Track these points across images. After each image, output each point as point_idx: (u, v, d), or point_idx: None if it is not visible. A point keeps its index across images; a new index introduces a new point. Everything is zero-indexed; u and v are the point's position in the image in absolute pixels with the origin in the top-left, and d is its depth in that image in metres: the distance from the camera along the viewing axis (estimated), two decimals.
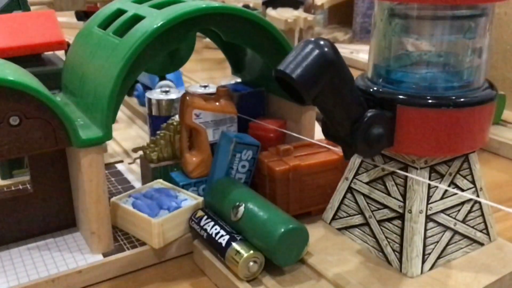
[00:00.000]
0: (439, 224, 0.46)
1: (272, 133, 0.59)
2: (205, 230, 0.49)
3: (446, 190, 0.46)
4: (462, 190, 0.47)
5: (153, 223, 0.48)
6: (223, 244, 0.46)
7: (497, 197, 0.64)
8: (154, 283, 0.48)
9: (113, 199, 0.52)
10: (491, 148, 0.78)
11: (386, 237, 0.47)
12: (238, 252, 0.45)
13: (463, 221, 0.47)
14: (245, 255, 0.44)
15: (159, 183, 0.56)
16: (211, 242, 0.48)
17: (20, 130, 0.44)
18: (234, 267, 0.45)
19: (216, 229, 0.48)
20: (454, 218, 0.47)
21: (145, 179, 0.61)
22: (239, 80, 0.69)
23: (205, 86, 0.71)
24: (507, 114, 0.84)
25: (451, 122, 0.42)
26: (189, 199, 0.53)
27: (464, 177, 0.47)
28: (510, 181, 0.70)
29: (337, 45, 0.40)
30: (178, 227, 0.51)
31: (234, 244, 0.46)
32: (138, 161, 0.70)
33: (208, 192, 0.54)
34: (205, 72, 1.24)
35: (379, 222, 0.47)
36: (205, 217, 0.50)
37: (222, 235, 0.47)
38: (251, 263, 0.45)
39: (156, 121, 0.67)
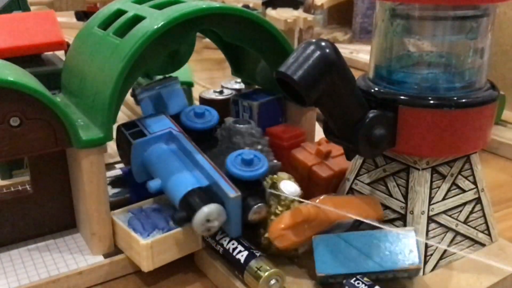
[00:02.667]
0: (441, 225, 0.46)
1: (292, 140, 0.57)
2: (221, 244, 0.46)
3: (448, 191, 0.46)
4: (464, 191, 0.47)
5: (141, 244, 0.45)
6: (242, 261, 0.44)
7: (497, 197, 0.64)
8: (155, 284, 0.48)
9: (112, 213, 0.49)
10: (491, 148, 0.78)
11: None
12: (258, 269, 0.42)
13: (465, 222, 0.47)
14: (267, 273, 0.42)
15: (165, 199, 0.51)
16: (227, 258, 0.45)
17: (21, 131, 0.44)
18: (254, 285, 0.43)
19: (233, 244, 0.45)
20: (456, 219, 0.46)
21: None
22: (238, 80, 0.69)
23: (220, 92, 0.67)
24: (507, 114, 0.84)
25: (453, 123, 0.42)
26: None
27: (466, 177, 0.47)
28: (510, 181, 0.70)
29: (337, 45, 0.40)
30: (171, 249, 0.47)
31: (254, 261, 0.43)
32: None
33: None
34: (205, 72, 1.24)
35: None
36: (221, 231, 0.47)
37: (240, 251, 0.45)
38: (273, 281, 0.42)
39: None
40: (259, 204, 0.45)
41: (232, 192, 0.44)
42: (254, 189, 0.46)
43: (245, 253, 0.44)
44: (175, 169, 0.47)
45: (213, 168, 0.46)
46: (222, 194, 0.45)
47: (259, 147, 0.52)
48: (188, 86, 0.67)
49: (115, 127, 0.49)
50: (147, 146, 0.49)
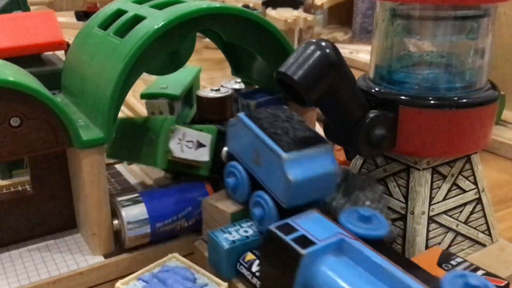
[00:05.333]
0: (442, 225, 0.46)
1: None
2: (258, 277, 0.41)
3: (448, 191, 0.46)
4: (464, 191, 0.47)
5: None
6: None
7: (497, 197, 0.64)
8: None
9: (118, 284, 0.43)
10: (491, 148, 0.78)
11: None
12: None
13: (465, 222, 0.47)
14: None
15: (175, 258, 0.46)
16: None
17: (21, 131, 0.44)
18: None
19: None
20: (457, 219, 0.46)
21: None
22: (238, 80, 0.69)
23: (216, 90, 0.65)
24: (507, 114, 0.84)
25: (454, 123, 0.42)
26: (211, 285, 0.43)
27: (466, 178, 0.47)
28: (510, 181, 0.70)
29: (337, 45, 0.40)
30: None
31: None
32: None
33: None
34: (205, 72, 1.24)
35: None
36: (258, 261, 0.42)
37: None
38: None
39: None
40: None
41: None
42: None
43: None
44: None
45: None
46: None
47: (380, 206, 0.45)
48: (171, 98, 0.62)
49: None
50: (316, 259, 0.36)
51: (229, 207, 0.47)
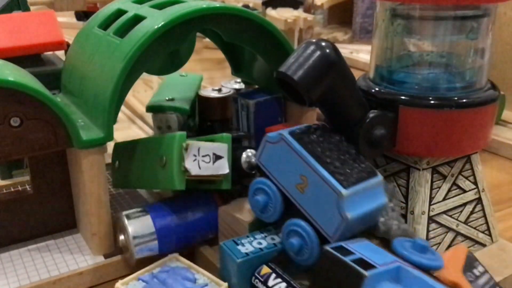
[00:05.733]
0: (442, 225, 0.46)
1: None
2: None
3: (448, 191, 0.46)
4: (464, 191, 0.47)
5: None
6: None
7: (497, 197, 0.64)
8: None
9: (118, 284, 0.43)
10: (491, 148, 0.78)
11: None
12: None
13: (466, 222, 0.47)
14: None
15: (175, 258, 0.46)
16: None
17: (21, 131, 0.44)
18: None
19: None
20: (457, 219, 0.46)
21: None
22: (238, 80, 0.69)
23: (218, 90, 0.64)
24: (507, 114, 0.84)
25: (454, 123, 0.42)
26: (211, 285, 0.43)
27: (467, 178, 0.47)
28: (510, 181, 0.70)
29: (337, 45, 0.40)
30: None
31: None
32: None
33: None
34: (205, 72, 1.24)
35: None
36: (274, 275, 0.40)
37: None
38: None
39: None
40: None
41: None
42: None
43: None
44: None
45: None
46: None
47: (391, 205, 0.44)
48: (180, 112, 0.59)
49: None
50: (377, 283, 0.34)
51: (247, 216, 0.46)
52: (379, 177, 0.41)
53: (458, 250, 0.41)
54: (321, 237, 0.39)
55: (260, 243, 0.43)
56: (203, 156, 0.45)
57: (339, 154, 0.41)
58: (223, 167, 0.46)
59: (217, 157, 0.45)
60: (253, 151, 0.48)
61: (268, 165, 0.43)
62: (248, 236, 0.44)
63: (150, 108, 0.59)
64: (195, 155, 0.44)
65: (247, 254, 0.42)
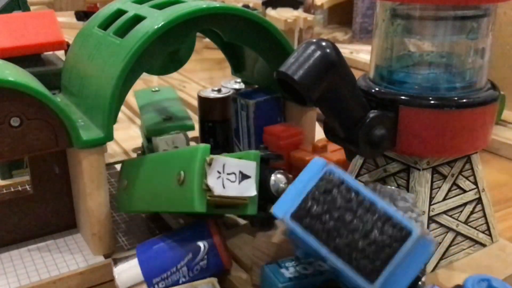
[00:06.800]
0: (442, 225, 0.46)
1: (288, 139, 0.56)
2: None
3: (448, 191, 0.46)
4: (465, 191, 0.47)
5: None
6: None
7: (497, 197, 0.64)
8: None
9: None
10: (491, 148, 0.78)
11: None
12: None
13: (466, 222, 0.47)
14: None
15: (211, 284, 0.40)
16: None
17: (21, 131, 0.44)
18: None
19: None
20: (457, 219, 0.46)
21: None
22: (238, 80, 0.69)
23: (218, 90, 0.64)
24: (507, 114, 0.84)
25: (454, 123, 0.42)
26: None
27: (467, 178, 0.47)
28: (510, 181, 0.70)
29: (337, 45, 0.40)
30: None
31: None
32: None
33: None
34: (205, 72, 1.24)
35: None
36: None
37: None
38: None
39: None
40: None
41: None
42: None
43: None
44: None
45: None
46: None
47: (414, 215, 0.41)
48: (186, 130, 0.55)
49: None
50: None
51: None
52: (415, 233, 0.30)
53: None
54: None
55: (305, 268, 0.39)
56: (228, 173, 0.39)
57: (358, 223, 0.32)
58: (250, 189, 0.39)
59: (244, 176, 0.40)
60: (283, 172, 0.43)
61: (297, 242, 0.38)
62: (293, 260, 0.40)
63: (152, 132, 0.54)
64: (219, 172, 0.38)
65: (290, 279, 0.38)
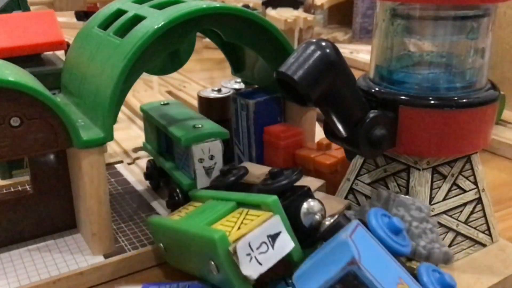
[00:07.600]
0: (442, 225, 0.46)
1: (288, 139, 0.57)
2: None
3: (448, 191, 0.46)
4: (465, 191, 0.47)
5: None
6: None
7: (497, 197, 0.64)
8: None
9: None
10: (491, 148, 0.78)
11: None
12: None
13: (466, 222, 0.47)
14: None
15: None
16: None
17: (21, 131, 0.44)
18: None
19: None
20: (457, 219, 0.46)
21: None
22: (238, 80, 0.69)
23: (218, 90, 0.64)
24: (507, 114, 0.84)
25: (454, 123, 0.42)
26: None
27: (467, 178, 0.47)
28: (510, 181, 0.70)
29: (337, 45, 0.40)
30: None
31: None
32: (138, 161, 0.70)
33: None
34: (205, 72, 1.24)
35: None
36: None
37: None
38: None
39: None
40: None
41: None
42: None
43: None
44: None
45: None
46: None
47: (429, 226, 0.41)
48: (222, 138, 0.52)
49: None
50: None
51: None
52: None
53: None
54: None
55: None
56: (257, 248, 0.35)
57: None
58: (287, 243, 0.36)
59: (274, 237, 0.35)
60: (313, 198, 0.39)
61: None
62: None
63: (189, 140, 0.51)
64: (248, 254, 0.34)
65: None
